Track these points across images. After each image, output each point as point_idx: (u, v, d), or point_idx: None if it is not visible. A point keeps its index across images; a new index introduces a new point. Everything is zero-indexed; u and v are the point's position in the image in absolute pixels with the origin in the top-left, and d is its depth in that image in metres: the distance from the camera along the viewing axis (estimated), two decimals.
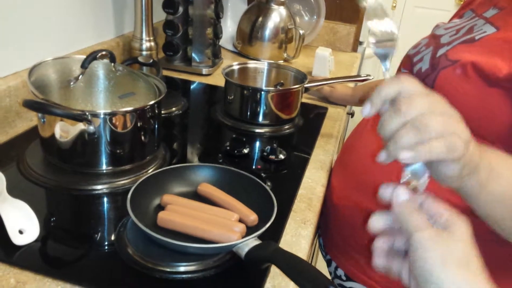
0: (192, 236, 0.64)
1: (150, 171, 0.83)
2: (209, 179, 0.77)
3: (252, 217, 0.68)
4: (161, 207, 0.70)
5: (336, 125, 1.16)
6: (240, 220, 0.68)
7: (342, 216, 0.87)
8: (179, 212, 0.67)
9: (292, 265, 0.55)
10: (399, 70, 0.88)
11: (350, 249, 0.84)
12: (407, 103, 0.44)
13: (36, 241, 0.63)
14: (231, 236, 0.62)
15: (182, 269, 0.61)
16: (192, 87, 1.33)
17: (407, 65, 0.82)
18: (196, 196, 0.74)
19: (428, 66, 0.75)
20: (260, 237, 0.62)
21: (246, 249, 0.60)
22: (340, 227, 0.87)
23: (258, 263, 0.61)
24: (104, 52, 0.84)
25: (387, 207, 0.78)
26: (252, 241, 0.61)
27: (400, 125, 0.44)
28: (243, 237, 0.62)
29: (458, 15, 0.86)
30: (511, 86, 0.63)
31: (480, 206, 0.54)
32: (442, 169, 0.47)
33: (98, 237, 0.68)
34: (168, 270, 0.61)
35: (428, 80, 0.73)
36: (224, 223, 0.66)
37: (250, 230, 0.66)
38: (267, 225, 0.63)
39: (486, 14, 0.74)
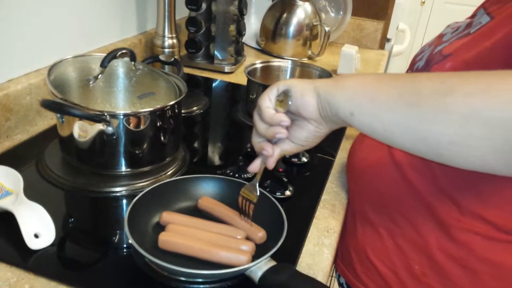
0: (198, 258, 0.60)
1: (169, 173, 0.81)
2: (210, 191, 0.72)
3: (260, 233, 0.63)
4: (161, 226, 0.65)
5: None
6: (247, 238, 0.63)
7: (344, 221, 0.82)
8: (180, 233, 0.62)
9: None
10: (407, 71, 0.85)
11: (349, 256, 0.80)
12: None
13: (52, 245, 0.61)
14: (240, 257, 0.58)
15: (199, 279, 0.59)
16: (214, 85, 1.31)
17: (411, 65, 0.80)
18: (197, 211, 0.70)
19: (423, 63, 0.73)
20: (276, 253, 0.58)
21: (260, 273, 0.56)
22: (341, 233, 0.83)
23: None
24: (124, 51, 0.82)
25: (387, 217, 0.73)
26: (265, 263, 0.57)
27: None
28: (253, 257, 0.58)
29: (473, 14, 0.82)
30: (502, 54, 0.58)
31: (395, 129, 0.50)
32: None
33: (115, 241, 0.66)
34: (184, 279, 0.59)
35: None
36: (231, 242, 0.61)
37: (259, 248, 0.62)
38: (278, 245, 0.58)
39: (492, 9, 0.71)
